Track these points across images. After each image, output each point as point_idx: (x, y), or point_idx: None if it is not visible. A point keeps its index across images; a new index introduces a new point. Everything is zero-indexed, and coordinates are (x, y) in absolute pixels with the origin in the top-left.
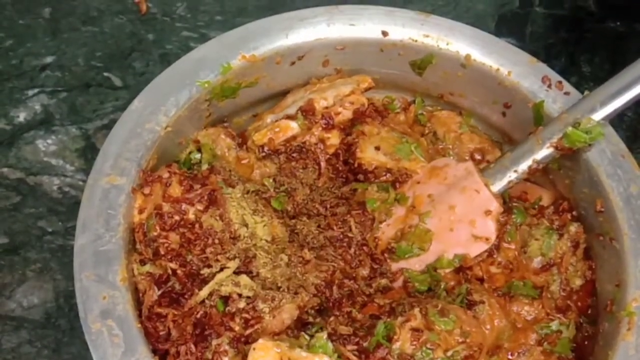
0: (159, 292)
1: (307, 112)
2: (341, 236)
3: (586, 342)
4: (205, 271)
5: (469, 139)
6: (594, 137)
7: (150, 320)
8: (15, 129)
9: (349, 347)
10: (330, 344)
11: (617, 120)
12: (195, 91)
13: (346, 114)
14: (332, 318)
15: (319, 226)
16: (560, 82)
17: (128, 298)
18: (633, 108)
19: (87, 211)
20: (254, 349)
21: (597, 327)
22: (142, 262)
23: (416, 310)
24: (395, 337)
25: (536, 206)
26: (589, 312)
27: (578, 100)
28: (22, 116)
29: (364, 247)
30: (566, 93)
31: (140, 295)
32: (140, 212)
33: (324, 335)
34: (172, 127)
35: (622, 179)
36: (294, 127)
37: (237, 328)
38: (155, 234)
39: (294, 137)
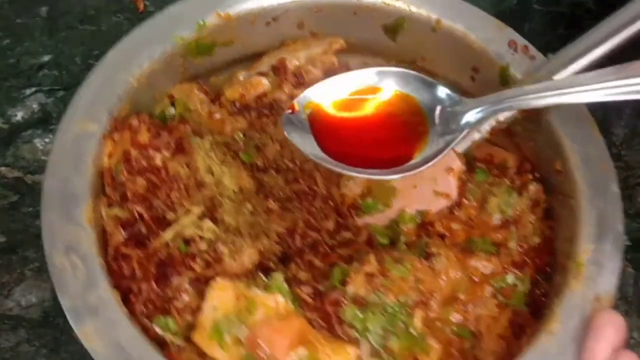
0: (125, 235)
1: (278, 69)
2: (307, 189)
3: (543, 299)
4: (171, 215)
5: None
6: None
7: (115, 260)
8: (12, 128)
9: (305, 290)
10: (285, 285)
11: (615, 116)
12: (169, 46)
13: (317, 72)
14: (292, 265)
15: (286, 180)
16: (526, 47)
17: (92, 236)
18: (631, 105)
19: (57, 155)
20: (212, 287)
21: (550, 283)
22: (110, 206)
23: (372, 256)
24: (350, 280)
25: (500, 167)
26: (548, 270)
27: (541, 63)
28: (19, 115)
29: (330, 201)
30: (532, 57)
31: (107, 237)
32: (110, 157)
33: (280, 276)
34: (145, 79)
35: (582, 141)
36: (264, 83)
37: (197, 269)
38: (123, 178)
39: (265, 94)
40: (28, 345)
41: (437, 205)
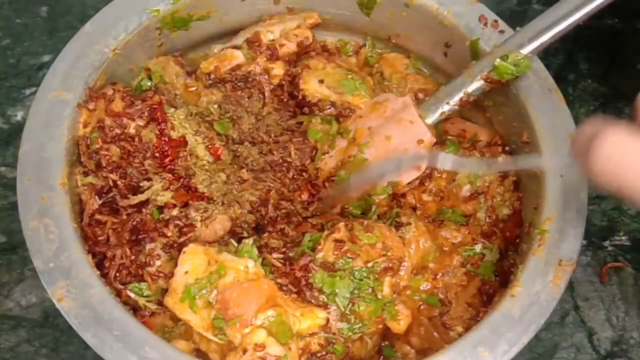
0: (100, 202)
1: (252, 42)
2: (280, 161)
3: (512, 269)
4: (145, 184)
5: (413, 80)
6: (521, 69)
7: (90, 226)
8: (12, 128)
9: (275, 256)
10: (255, 250)
11: (615, 117)
12: (145, 18)
13: (290, 46)
14: (265, 234)
15: (261, 152)
16: (495, 21)
17: (66, 200)
18: (631, 105)
19: (33, 122)
20: (184, 252)
21: (517, 252)
22: (85, 174)
23: (341, 224)
24: (320, 247)
25: (471, 141)
26: (517, 241)
27: (509, 36)
28: (19, 115)
29: (303, 173)
30: (501, 31)
31: (83, 205)
32: (85, 126)
33: (250, 241)
34: (121, 51)
35: (548, 111)
36: (238, 55)
37: (170, 234)
38: (97, 146)
39: (239, 66)
40: (28, 345)
41: (408, 176)
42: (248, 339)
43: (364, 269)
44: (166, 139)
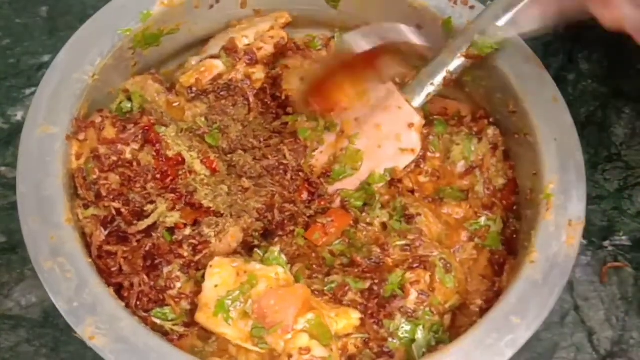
0: (106, 232)
1: (230, 50)
2: (277, 164)
3: (514, 236)
4: (149, 207)
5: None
6: (500, 42)
7: (100, 259)
8: (12, 128)
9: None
10: (283, 257)
11: (615, 117)
12: (117, 40)
13: (268, 48)
14: (277, 239)
15: (254, 158)
16: None
17: (75, 236)
18: (631, 105)
19: (26, 161)
20: (210, 266)
21: (521, 219)
22: (86, 206)
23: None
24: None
25: (456, 118)
26: (514, 208)
27: (482, 10)
28: (19, 115)
29: (300, 173)
30: (471, 7)
31: (88, 238)
32: (78, 158)
33: (276, 249)
34: (99, 76)
35: (530, 79)
36: (218, 65)
37: (186, 254)
38: (94, 177)
39: (220, 76)
40: (28, 345)
41: (404, 160)
42: (291, 344)
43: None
44: (164, 159)
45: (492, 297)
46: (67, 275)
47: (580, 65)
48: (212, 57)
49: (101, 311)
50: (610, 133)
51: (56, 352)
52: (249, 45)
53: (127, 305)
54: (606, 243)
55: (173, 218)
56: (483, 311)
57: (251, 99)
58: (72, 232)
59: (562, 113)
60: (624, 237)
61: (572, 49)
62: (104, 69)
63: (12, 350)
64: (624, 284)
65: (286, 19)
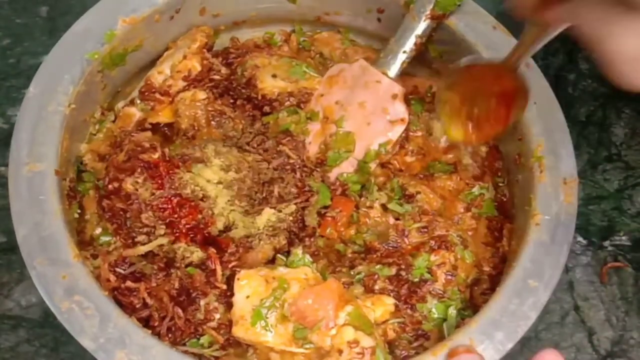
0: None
1: (147, 93)
2: (283, 164)
3: (504, 199)
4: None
5: (353, 52)
6: None
7: (123, 296)
8: (12, 128)
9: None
10: (307, 257)
11: (615, 117)
12: (86, 64)
13: (179, 83)
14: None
15: (259, 173)
16: None
17: (87, 271)
18: (631, 105)
19: (19, 202)
20: (237, 279)
21: (511, 184)
22: (94, 257)
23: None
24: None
25: (429, 94)
26: (499, 174)
27: None
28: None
29: (304, 168)
30: None
31: (101, 281)
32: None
33: (299, 250)
34: (74, 104)
35: (497, 47)
36: (135, 113)
37: (222, 284)
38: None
39: (144, 120)
40: (28, 345)
41: (396, 132)
42: (338, 339)
43: None
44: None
45: (498, 263)
46: (87, 312)
47: (580, 65)
48: (131, 102)
49: (130, 342)
50: (610, 133)
51: (56, 352)
52: (166, 81)
53: (155, 333)
54: (606, 243)
55: (195, 255)
56: (492, 277)
57: (227, 111)
58: (82, 268)
59: (537, 77)
60: (624, 237)
61: (572, 48)
62: (78, 96)
63: (12, 350)
64: (624, 284)
65: (200, 41)
